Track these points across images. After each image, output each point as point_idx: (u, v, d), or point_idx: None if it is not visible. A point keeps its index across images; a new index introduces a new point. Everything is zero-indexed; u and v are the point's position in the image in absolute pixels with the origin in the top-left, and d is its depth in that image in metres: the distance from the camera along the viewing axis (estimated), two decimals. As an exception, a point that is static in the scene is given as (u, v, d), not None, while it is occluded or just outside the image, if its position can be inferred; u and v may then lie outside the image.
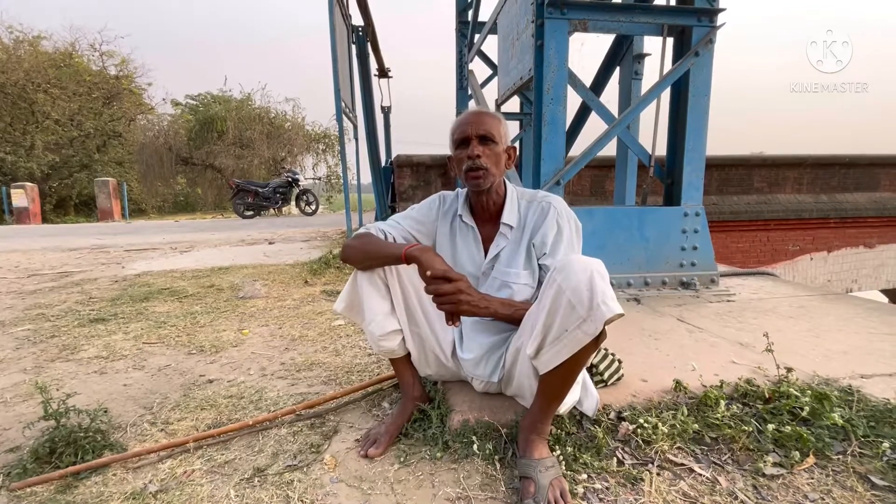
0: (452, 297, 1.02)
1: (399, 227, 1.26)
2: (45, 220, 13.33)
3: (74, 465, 1.11)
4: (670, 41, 2.74)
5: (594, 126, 3.07)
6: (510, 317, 1.10)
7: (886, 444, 1.05)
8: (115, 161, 17.45)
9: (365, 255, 1.16)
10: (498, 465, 1.08)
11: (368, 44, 6.36)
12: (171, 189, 19.02)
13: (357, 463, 1.12)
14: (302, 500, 0.99)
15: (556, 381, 1.01)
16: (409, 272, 1.24)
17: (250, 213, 11.26)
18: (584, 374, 1.15)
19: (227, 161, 18.02)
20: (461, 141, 1.17)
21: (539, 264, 1.18)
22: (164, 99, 20.00)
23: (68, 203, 16.51)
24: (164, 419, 1.37)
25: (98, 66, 17.61)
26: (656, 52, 2.76)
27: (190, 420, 1.36)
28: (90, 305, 2.76)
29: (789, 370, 1.34)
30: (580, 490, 0.98)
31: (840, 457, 1.06)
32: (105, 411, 1.37)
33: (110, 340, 2.10)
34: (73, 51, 17.03)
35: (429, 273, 1.02)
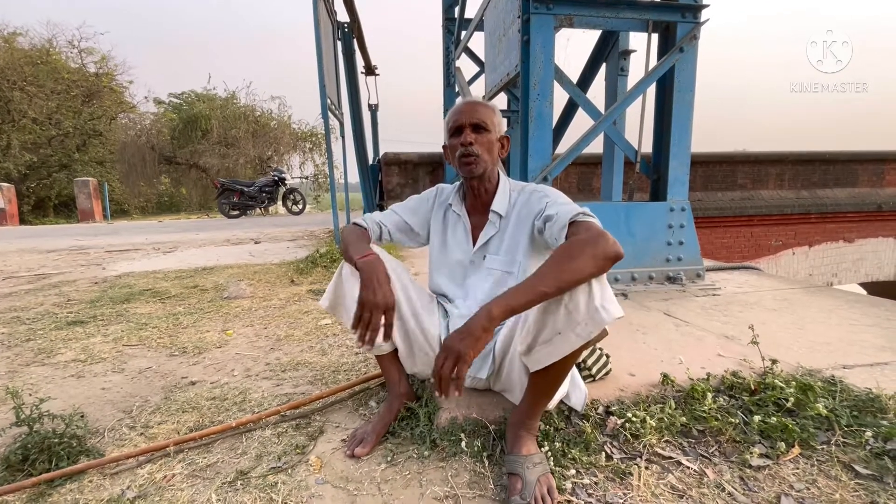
0: (450, 367, 0.87)
1: (394, 216, 1.29)
2: (22, 221, 12.97)
3: (48, 473, 1.07)
4: (655, 37, 2.76)
5: (581, 123, 3.07)
6: (538, 297, 0.88)
7: (869, 434, 1.06)
8: (96, 161, 17.03)
9: (344, 248, 1.17)
10: (486, 463, 1.06)
11: (354, 41, 6.30)
12: (154, 189, 18.65)
13: (343, 463, 1.10)
14: (286, 503, 0.96)
15: (547, 379, 1.00)
16: (397, 267, 1.22)
17: (236, 212, 11.10)
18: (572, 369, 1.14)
19: (211, 160, 17.76)
20: (455, 129, 1.18)
21: (543, 225, 1.08)
22: (146, 97, 19.58)
23: (47, 204, 16.08)
24: (143, 423, 1.33)
25: (77, 64, 17.17)
26: (642, 49, 2.78)
27: (171, 423, 1.32)
28: (68, 308, 2.68)
29: (774, 362, 1.35)
30: (568, 485, 0.97)
31: (824, 447, 1.07)
32: (81, 416, 1.33)
33: (88, 343, 2.04)
34: (50, 48, 16.57)
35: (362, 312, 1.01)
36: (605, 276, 0.91)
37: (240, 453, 1.16)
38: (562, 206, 1.04)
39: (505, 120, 5.30)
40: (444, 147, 1.25)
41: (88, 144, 16.89)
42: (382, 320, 1.01)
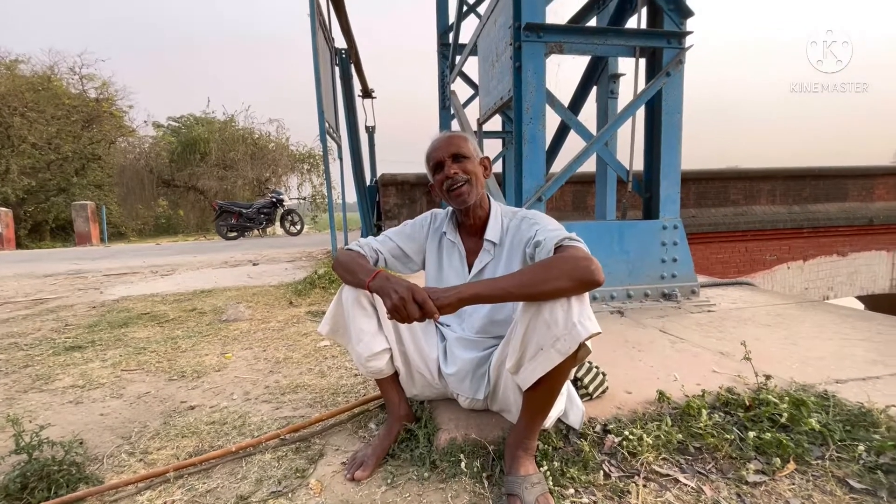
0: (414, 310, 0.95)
1: (389, 243, 1.30)
2: (19, 245, 12.94)
3: (47, 501, 1.07)
4: (643, 62, 2.85)
5: (574, 144, 3.15)
6: (502, 293, 0.96)
7: (862, 448, 1.08)
8: (95, 184, 17.13)
9: (345, 272, 1.17)
10: (486, 483, 1.07)
11: (352, 65, 6.46)
12: (152, 212, 18.72)
13: (343, 486, 1.10)
14: (286, 528, 0.97)
15: (540, 397, 1.02)
16: None
17: (234, 234, 11.12)
18: (568, 386, 1.16)
19: (210, 182, 17.88)
20: (436, 166, 1.22)
21: (534, 250, 1.10)
22: (145, 121, 19.80)
23: (44, 228, 16.07)
24: (142, 449, 1.33)
25: (77, 90, 17.44)
26: (631, 72, 2.87)
27: (170, 449, 1.32)
28: (66, 333, 2.68)
29: (768, 377, 1.37)
30: (568, 505, 0.98)
31: (819, 461, 1.08)
32: (80, 443, 1.33)
33: (87, 368, 2.03)
34: (51, 74, 16.85)
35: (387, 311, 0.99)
36: (585, 295, 0.95)
37: (240, 478, 1.16)
38: (550, 231, 1.07)
39: (499, 141, 5.41)
40: (430, 186, 1.28)
41: (87, 168, 17.01)
42: (417, 312, 0.95)
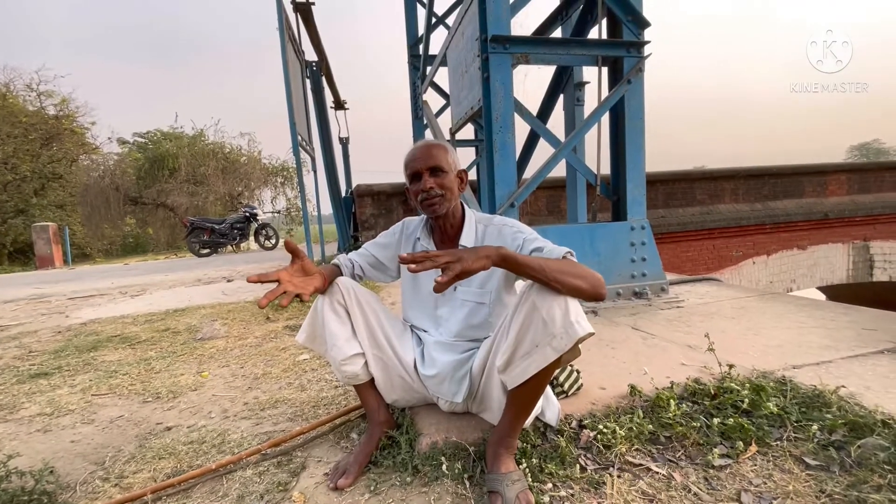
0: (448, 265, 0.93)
1: (365, 253, 1.36)
2: (-26, 271, 12.28)
3: (17, 533, 1.04)
4: (605, 70, 2.97)
5: (546, 150, 3.24)
6: (535, 267, 0.97)
7: (815, 427, 1.15)
8: (56, 204, 16.45)
9: None
10: (467, 484, 1.09)
11: (323, 78, 6.47)
12: (118, 231, 18.07)
13: (327, 497, 1.10)
14: (270, 541, 0.97)
15: (526, 394, 1.05)
16: (368, 297, 1.27)
17: (206, 251, 10.85)
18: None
19: (180, 199, 17.45)
20: (413, 175, 1.24)
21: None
22: (109, 138, 19.16)
23: (2, 252, 15.31)
24: (117, 473, 1.30)
25: (35, 107, 16.77)
26: (595, 80, 2.98)
27: (147, 471, 1.29)
28: (30, 360, 2.57)
29: (731, 367, 1.45)
30: (546, 499, 1.02)
31: (778, 442, 1.15)
32: (51, 471, 1.28)
33: (54, 395, 1.96)
34: (6, 92, 16.17)
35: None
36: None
37: (221, 496, 1.15)
38: (546, 242, 1.12)
39: (472, 149, 5.50)
40: (406, 189, 1.31)
41: (47, 188, 16.34)
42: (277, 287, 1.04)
